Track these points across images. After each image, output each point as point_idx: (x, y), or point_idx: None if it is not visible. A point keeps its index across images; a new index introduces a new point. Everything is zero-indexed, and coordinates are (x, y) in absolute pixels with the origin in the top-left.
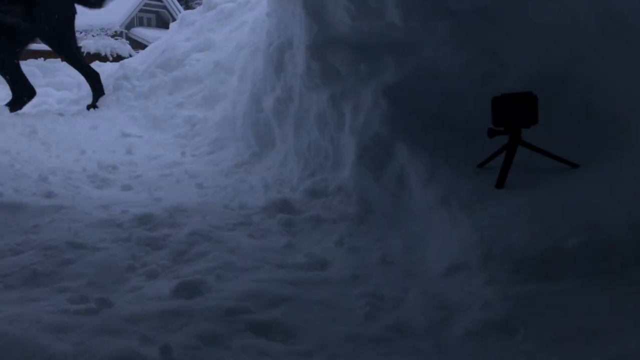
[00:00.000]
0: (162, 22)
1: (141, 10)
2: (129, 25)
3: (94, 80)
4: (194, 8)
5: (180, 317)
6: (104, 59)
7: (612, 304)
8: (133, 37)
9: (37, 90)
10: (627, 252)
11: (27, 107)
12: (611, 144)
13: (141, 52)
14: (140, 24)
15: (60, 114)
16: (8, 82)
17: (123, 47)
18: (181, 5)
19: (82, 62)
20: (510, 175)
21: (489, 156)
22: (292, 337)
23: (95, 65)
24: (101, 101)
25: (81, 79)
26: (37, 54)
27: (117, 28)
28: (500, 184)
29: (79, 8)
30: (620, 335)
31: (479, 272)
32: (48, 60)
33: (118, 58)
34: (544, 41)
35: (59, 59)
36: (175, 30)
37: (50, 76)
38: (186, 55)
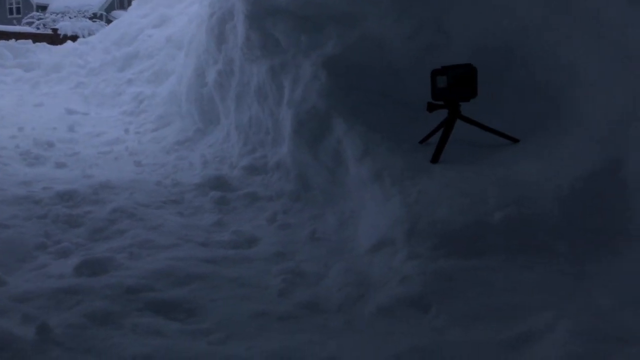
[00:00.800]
0: None
1: None
2: (109, 8)
3: None
4: None
5: (75, 295)
6: None
7: (532, 280)
8: (113, 19)
9: (6, 71)
10: (552, 226)
11: None
12: (552, 117)
13: (102, 29)
14: (121, 6)
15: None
16: None
17: (101, 29)
18: None
19: None
20: (449, 151)
21: (429, 132)
22: (194, 315)
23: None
24: (52, 78)
25: (54, 59)
26: (6, 36)
27: (96, 10)
28: (435, 159)
29: None
30: (534, 311)
31: (403, 247)
32: (19, 41)
33: None
34: (488, 11)
35: (30, 40)
36: (135, 7)
37: (21, 57)
38: (140, 32)
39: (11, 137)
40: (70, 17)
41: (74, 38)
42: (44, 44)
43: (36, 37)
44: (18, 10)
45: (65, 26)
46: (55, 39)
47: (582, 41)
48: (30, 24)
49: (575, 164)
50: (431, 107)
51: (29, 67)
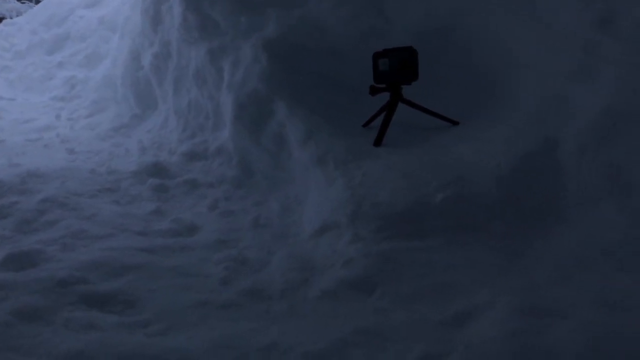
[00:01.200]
0: None
1: None
2: None
3: None
4: None
5: (0, 291)
6: None
7: (471, 259)
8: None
9: None
10: (490, 206)
11: None
12: (490, 99)
13: (30, 10)
14: None
15: None
16: None
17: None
18: None
19: None
20: (391, 134)
21: (372, 115)
22: (131, 307)
23: None
24: None
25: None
26: None
27: None
28: (378, 142)
29: None
30: (473, 289)
31: (347, 230)
32: None
33: None
34: None
35: None
36: None
37: None
38: (70, 12)
39: None
40: None
41: (1, 20)
42: None
43: None
44: None
45: None
46: None
47: (517, 24)
48: None
49: (511, 145)
50: (373, 91)
51: None
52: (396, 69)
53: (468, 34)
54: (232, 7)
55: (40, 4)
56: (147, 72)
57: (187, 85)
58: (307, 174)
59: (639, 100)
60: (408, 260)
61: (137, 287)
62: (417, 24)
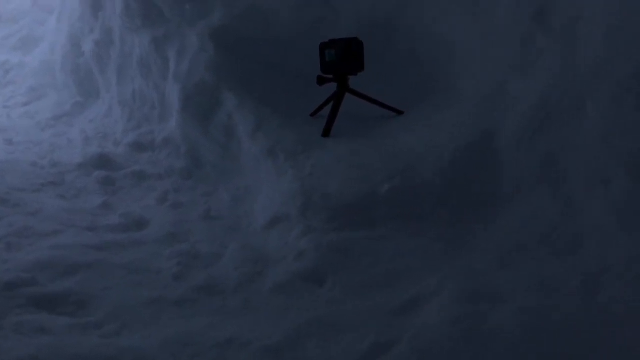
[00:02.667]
0: None
1: None
2: None
3: None
4: None
5: None
6: None
7: (418, 247)
8: None
9: None
10: (435, 194)
11: None
12: (433, 89)
13: None
14: None
15: None
16: None
17: None
18: None
19: None
20: (339, 124)
21: (320, 105)
22: (83, 308)
23: None
24: None
25: None
26: None
27: None
28: (326, 132)
29: None
30: (420, 276)
31: (298, 222)
32: None
33: None
34: None
35: None
36: None
37: None
38: None
39: None
40: None
41: None
42: None
43: None
44: None
45: None
46: None
47: (459, 17)
48: None
49: (453, 136)
50: (321, 81)
51: None
52: (342, 59)
53: (412, 26)
54: None
55: None
56: (88, 59)
57: (131, 74)
58: (258, 165)
59: (570, 93)
60: (358, 250)
61: (89, 286)
62: (363, 14)
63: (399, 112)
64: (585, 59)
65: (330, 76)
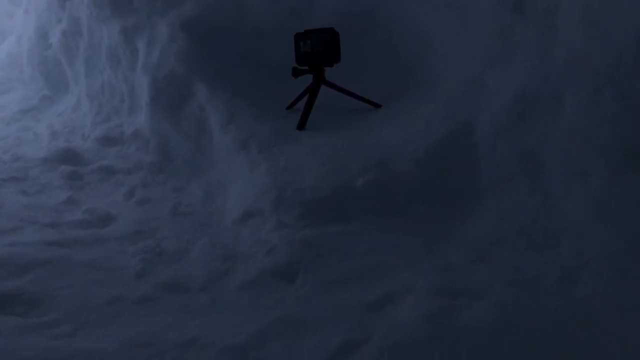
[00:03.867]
0: None
1: None
2: None
3: None
4: None
5: None
6: None
7: (392, 242)
8: None
9: None
10: (410, 188)
11: None
12: (411, 82)
13: None
14: None
15: None
16: None
17: None
18: None
19: None
20: (315, 117)
21: (295, 97)
22: (37, 307)
23: None
24: None
25: None
26: None
27: None
28: (301, 125)
29: None
30: (394, 273)
31: (270, 217)
32: None
33: None
34: None
35: None
36: None
37: None
38: None
39: None
40: None
41: None
42: None
43: None
44: None
45: None
46: None
47: (437, 9)
48: None
49: (430, 129)
50: (296, 73)
51: None
52: (318, 50)
53: (389, 17)
54: None
55: None
56: (55, 51)
57: (100, 66)
58: (230, 159)
59: (548, 85)
60: (331, 245)
61: (44, 284)
62: (340, 4)
63: (377, 105)
64: (563, 50)
65: (306, 68)
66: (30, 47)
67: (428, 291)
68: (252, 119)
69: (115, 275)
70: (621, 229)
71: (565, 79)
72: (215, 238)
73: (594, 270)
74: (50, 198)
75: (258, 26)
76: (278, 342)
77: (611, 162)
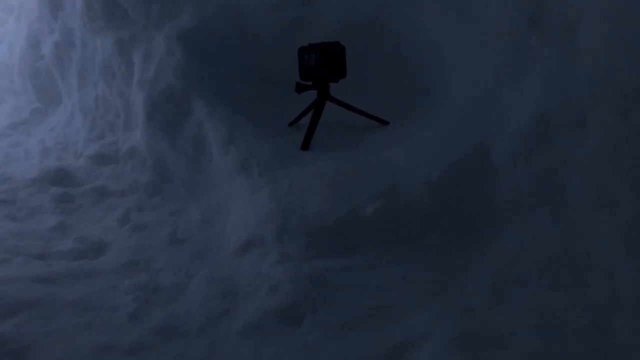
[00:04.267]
0: None
1: None
2: None
3: None
4: None
5: None
6: None
7: (406, 277)
8: None
9: None
10: (423, 216)
11: None
12: (420, 98)
13: None
14: None
15: None
16: None
17: None
18: None
19: None
20: (319, 136)
21: (298, 114)
22: (21, 358)
23: None
24: None
25: None
26: None
27: None
28: (305, 145)
29: None
30: (409, 313)
31: (273, 247)
32: None
33: None
34: None
35: None
36: None
37: None
38: None
39: None
40: None
41: None
42: None
43: None
44: None
45: None
46: None
47: (448, 20)
48: None
49: (443, 150)
50: (299, 88)
51: None
52: (322, 65)
53: (397, 28)
54: None
55: None
56: (48, 62)
57: (94, 79)
58: (230, 181)
59: (570, 104)
60: (339, 281)
61: (30, 330)
62: (344, 15)
63: (384, 123)
64: (585, 66)
65: (310, 83)
66: (21, 56)
67: (446, 339)
68: (253, 138)
69: (106, 316)
70: None
71: (588, 98)
72: (214, 271)
73: (628, 311)
74: (40, 223)
75: (259, 37)
76: None
77: None
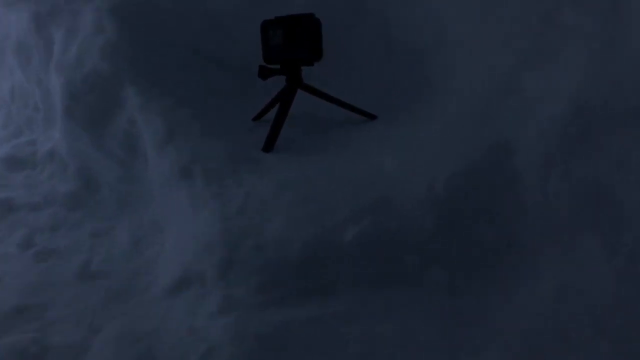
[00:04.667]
0: None
1: None
2: None
3: None
4: None
5: None
6: None
7: (399, 333)
8: None
9: None
10: (423, 243)
11: None
12: (417, 86)
13: None
14: None
15: None
16: None
17: None
18: None
19: None
20: (287, 133)
21: (264, 106)
22: None
23: None
24: None
25: None
26: None
27: None
28: (268, 146)
29: None
30: None
31: (214, 288)
32: None
33: None
34: None
35: None
36: None
37: None
38: None
39: None
40: None
41: None
42: None
43: None
44: None
45: None
46: None
47: None
48: None
49: (449, 153)
50: (264, 73)
51: None
52: (292, 44)
53: (384, 3)
54: None
55: None
56: None
57: (9, 64)
58: (169, 191)
59: (618, 92)
60: (304, 340)
61: None
62: None
63: (371, 117)
64: (636, 44)
65: (277, 66)
66: None
67: None
68: (200, 137)
69: None
70: None
71: None
72: (131, 322)
73: None
74: None
75: (215, 12)
76: None
77: None
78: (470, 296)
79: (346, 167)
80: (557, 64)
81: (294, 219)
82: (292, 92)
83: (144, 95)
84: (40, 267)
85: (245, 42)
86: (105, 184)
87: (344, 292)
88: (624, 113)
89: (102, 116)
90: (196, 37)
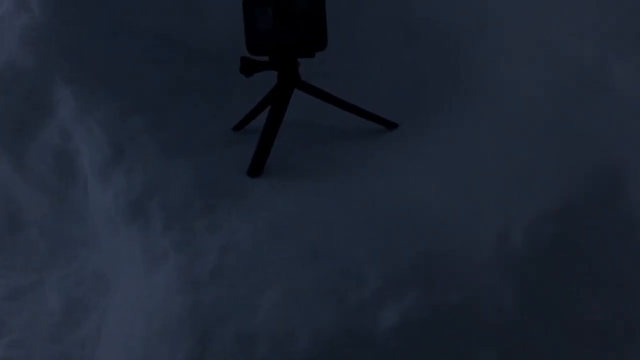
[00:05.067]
0: None
1: None
2: None
3: None
4: None
5: None
6: None
7: None
8: None
9: None
10: (497, 323)
11: None
12: (451, 84)
13: None
14: None
15: None
16: None
17: None
18: None
19: None
20: (281, 148)
21: (248, 112)
22: None
23: None
24: None
25: None
26: None
27: None
28: (255, 168)
29: None
30: None
31: None
32: None
33: None
34: None
35: None
36: None
37: None
38: None
39: None
40: None
41: None
42: None
43: None
44: None
45: None
46: None
47: None
48: None
49: (526, 181)
50: (248, 67)
51: None
52: (285, 26)
53: None
54: None
55: None
56: None
57: None
58: (115, 235)
59: None
60: None
61: None
62: None
63: (389, 125)
64: None
65: (266, 59)
66: None
67: None
68: (159, 156)
69: None
70: None
71: None
72: None
73: None
74: None
75: None
76: None
77: None
78: None
79: (368, 200)
80: None
81: (296, 291)
82: (286, 93)
83: (83, 98)
84: None
85: (224, 25)
86: (32, 221)
87: None
88: None
89: (23, 128)
90: (159, 18)
